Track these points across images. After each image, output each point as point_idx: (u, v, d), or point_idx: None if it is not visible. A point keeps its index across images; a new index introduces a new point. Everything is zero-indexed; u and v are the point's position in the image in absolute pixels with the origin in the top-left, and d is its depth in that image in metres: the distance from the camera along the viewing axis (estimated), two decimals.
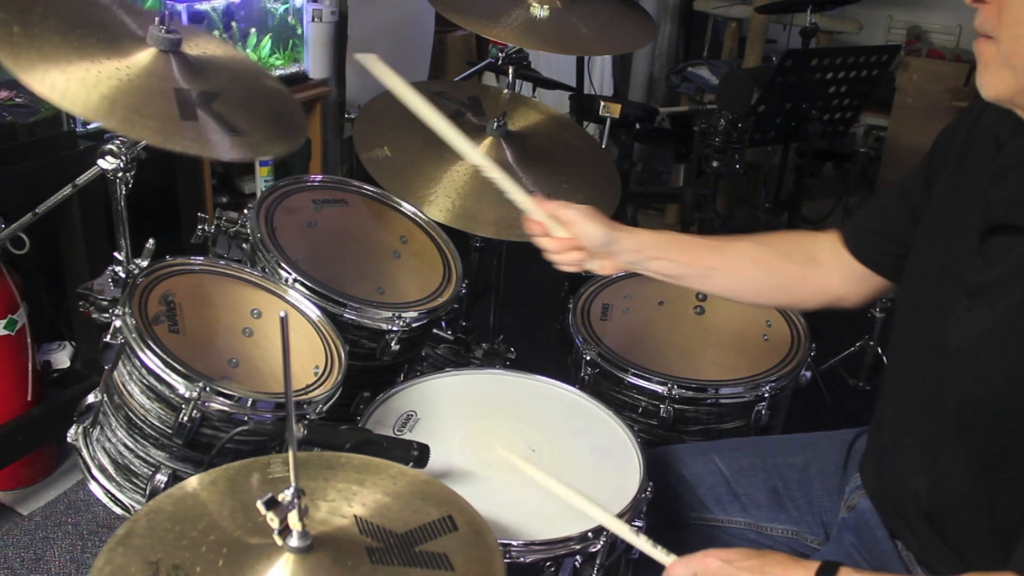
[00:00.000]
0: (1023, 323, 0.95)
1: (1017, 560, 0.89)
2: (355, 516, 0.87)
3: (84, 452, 1.37)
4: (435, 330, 2.01)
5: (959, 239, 1.05)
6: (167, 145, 1.19)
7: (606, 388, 1.59)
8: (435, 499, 0.92)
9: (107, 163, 1.38)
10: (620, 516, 1.17)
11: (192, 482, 0.91)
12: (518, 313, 2.85)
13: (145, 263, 1.44)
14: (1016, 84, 0.93)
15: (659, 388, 1.53)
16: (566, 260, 1.24)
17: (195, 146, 1.23)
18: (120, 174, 1.39)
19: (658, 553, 1.06)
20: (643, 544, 1.08)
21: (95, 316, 1.42)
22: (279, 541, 0.79)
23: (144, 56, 1.30)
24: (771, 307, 1.55)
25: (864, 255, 1.22)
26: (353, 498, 0.90)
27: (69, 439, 1.40)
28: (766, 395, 1.55)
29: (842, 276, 1.23)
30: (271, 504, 0.77)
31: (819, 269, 1.25)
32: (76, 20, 1.27)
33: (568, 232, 1.22)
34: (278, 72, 2.77)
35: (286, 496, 0.77)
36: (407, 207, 1.76)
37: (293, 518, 0.78)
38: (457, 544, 0.86)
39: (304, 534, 0.79)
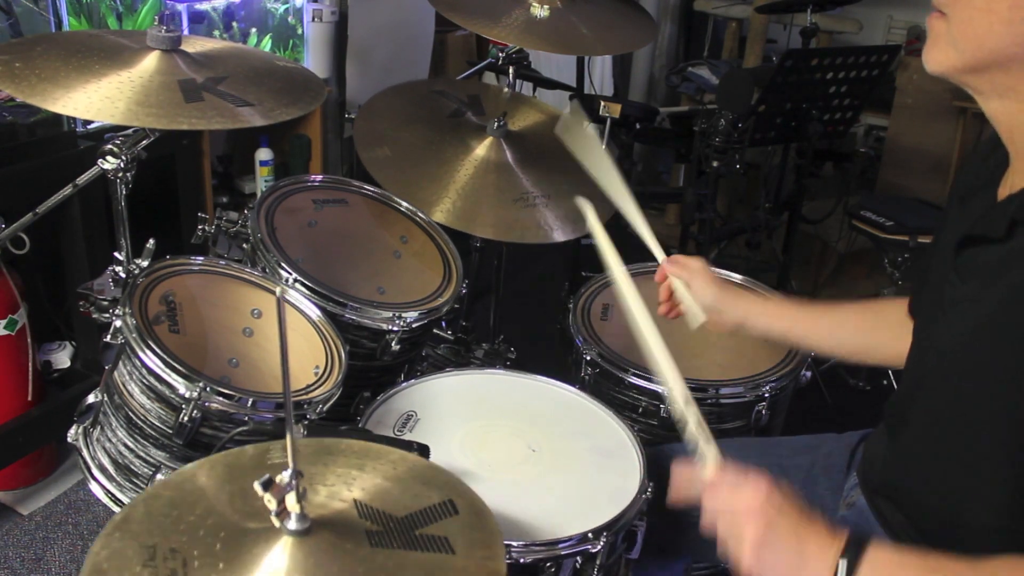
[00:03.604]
0: (987, 335, 0.96)
1: None
2: (354, 500, 0.86)
3: (84, 452, 1.37)
4: (435, 330, 2.01)
5: (944, 256, 1.07)
6: (172, 126, 1.25)
7: (606, 388, 1.59)
8: (436, 484, 0.92)
9: (107, 163, 1.38)
10: (620, 516, 1.17)
11: (190, 468, 0.90)
12: (518, 313, 2.85)
13: (145, 263, 1.44)
14: (959, 62, 0.95)
15: (659, 388, 1.53)
16: (665, 309, 1.40)
17: (201, 122, 1.27)
18: (120, 174, 1.39)
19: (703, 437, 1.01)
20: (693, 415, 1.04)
21: (95, 316, 1.42)
22: (277, 523, 0.78)
23: (148, 61, 1.35)
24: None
25: None
26: (353, 482, 0.89)
27: (69, 439, 1.40)
28: (766, 395, 1.55)
29: None
30: (268, 485, 0.76)
31: (905, 333, 1.27)
32: (76, 48, 1.35)
33: (688, 286, 1.36)
34: None
35: (283, 477, 0.77)
36: (407, 207, 1.76)
37: (291, 500, 0.77)
38: (458, 527, 0.85)
39: (302, 517, 0.78)
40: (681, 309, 1.40)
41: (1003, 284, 0.93)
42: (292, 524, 0.78)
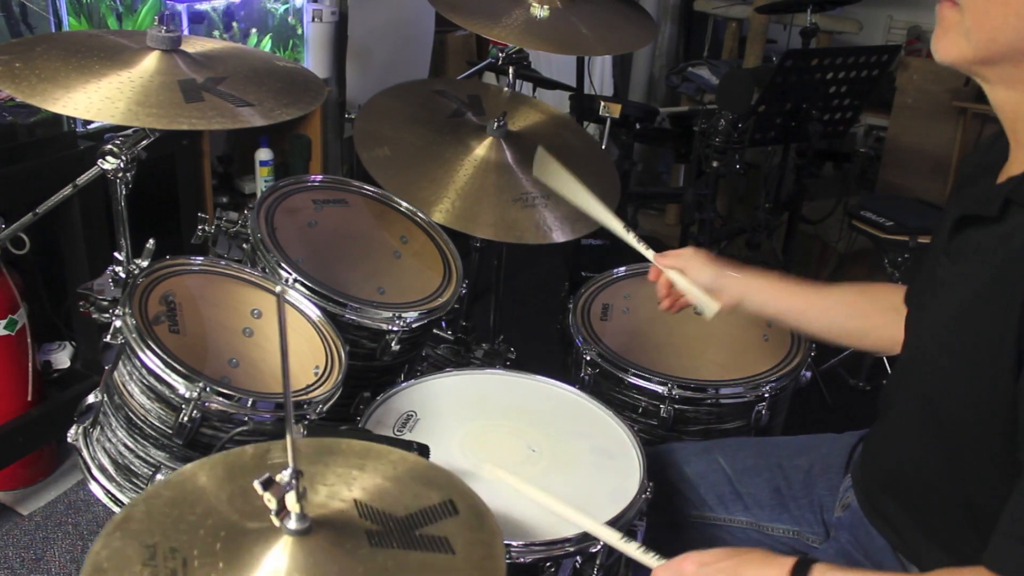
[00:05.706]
0: (975, 311, 0.96)
1: (990, 555, 0.89)
2: (354, 500, 0.86)
3: (84, 452, 1.37)
4: (435, 330, 2.01)
5: (939, 241, 1.08)
6: (172, 126, 1.25)
7: (606, 388, 1.59)
8: (436, 484, 0.92)
9: (107, 163, 1.38)
10: (620, 516, 1.17)
11: (190, 468, 0.90)
12: (518, 313, 2.85)
13: (145, 263, 1.44)
14: (970, 53, 0.95)
15: (659, 388, 1.53)
16: (667, 304, 1.42)
17: (201, 122, 1.28)
18: (120, 174, 1.39)
19: (647, 558, 1.05)
20: (633, 551, 1.07)
21: (95, 316, 1.42)
22: (277, 523, 0.78)
23: (148, 61, 1.35)
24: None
25: None
26: (353, 482, 0.89)
27: (69, 439, 1.40)
28: (766, 395, 1.55)
29: None
30: (268, 484, 0.76)
31: (899, 318, 1.26)
32: (76, 48, 1.35)
33: (684, 273, 1.37)
34: None
35: (283, 476, 0.77)
36: (407, 207, 1.76)
37: (290, 499, 0.77)
38: (458, 528, 0.86)
39: (302, 516, 0.79)
40: (688, 300, 1.38)
41: (994, 261, 0.94)
42: (292, 524, 0.78)
